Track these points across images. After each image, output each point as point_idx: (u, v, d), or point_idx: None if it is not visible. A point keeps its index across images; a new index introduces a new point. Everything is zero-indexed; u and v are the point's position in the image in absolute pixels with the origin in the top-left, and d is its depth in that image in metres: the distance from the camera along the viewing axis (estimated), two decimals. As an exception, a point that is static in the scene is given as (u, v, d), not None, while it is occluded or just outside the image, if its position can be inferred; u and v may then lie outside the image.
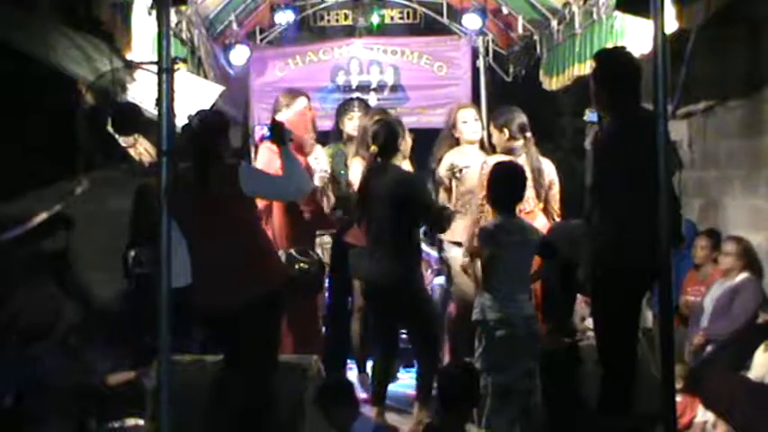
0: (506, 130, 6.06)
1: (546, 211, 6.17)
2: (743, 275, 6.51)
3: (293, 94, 6.47)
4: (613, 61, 4.86)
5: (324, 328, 6.75)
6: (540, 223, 5.92)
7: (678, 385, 5.66)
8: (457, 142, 6.62)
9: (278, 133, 4.92)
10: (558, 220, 6.16)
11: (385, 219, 5.68)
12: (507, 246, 5.16)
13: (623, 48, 5.19)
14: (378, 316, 6.06)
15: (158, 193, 3.80)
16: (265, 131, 5.14)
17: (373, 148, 5.77)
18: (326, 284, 6.64)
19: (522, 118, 6.10)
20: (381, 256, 5.71)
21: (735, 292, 6.48)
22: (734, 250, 6.58)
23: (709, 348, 6.48)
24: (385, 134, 5.81)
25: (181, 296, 4.33)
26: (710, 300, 6.63)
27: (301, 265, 5.63)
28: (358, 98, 7.39)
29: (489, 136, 6.46)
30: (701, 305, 6.67)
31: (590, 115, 5.56)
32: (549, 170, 6.20)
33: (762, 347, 6.04)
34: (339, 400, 4.59)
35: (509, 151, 6.03)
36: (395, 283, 5.70)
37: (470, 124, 6.55)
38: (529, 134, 6.10)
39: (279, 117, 5.92)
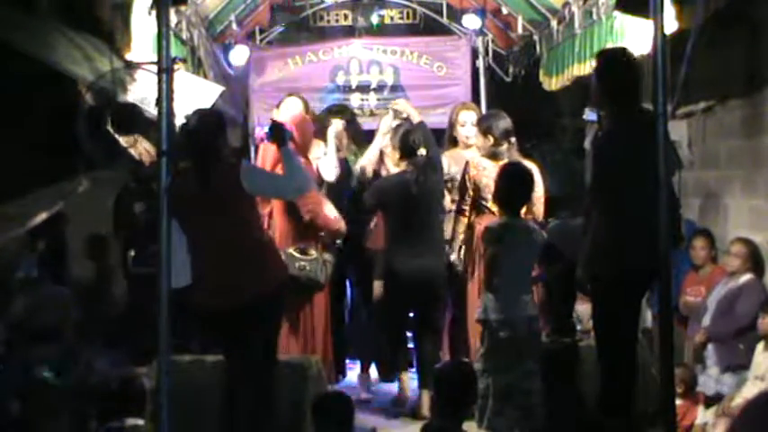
0: (490, 135, 6.09)
1: (527, 213, 6.16)
2: (747, 276, 6.48)
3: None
4: (615, 61, 4.85)
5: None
6: None
7: (679, 390, 5.66)
8: (456, 142, 6.62)
9: (277, 134, 4.94)
10: (541, 221, 6.16)
11: (429, 217, 6.03)
12: (511, 246, 5.17)
13: (624, 48, 5.19)
14: (404, 310, 6.21)
15: (138, 197, 3.80)
16: (265, 131, 5.15)
17: (422, 152, 5.98)
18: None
19: (506, 123, 6.12)
20: (423, 252, 5.95)
21: (738, 293, 6.44)
22: (741, 252, 6.55)
23: (710, 347, 6.46)
24: (427, 139, 6.06)
25: (181, 296, 4.34)
26: (714, 299, 6.61)
27: (301, 263, 5.69)
28: (336, 109, 7.33)
29: None
30: (705, 304, 6.65)
31: (589, 114, 5.54)
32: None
33: (761, 347, 6.04)
34: (334, 416, 4.45)
35: (492, 155, 6.04)
36: (438, 275, 6.05)
37: (468, 128, 6.52)
38: (513, 139, 6.12)
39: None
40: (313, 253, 5.85)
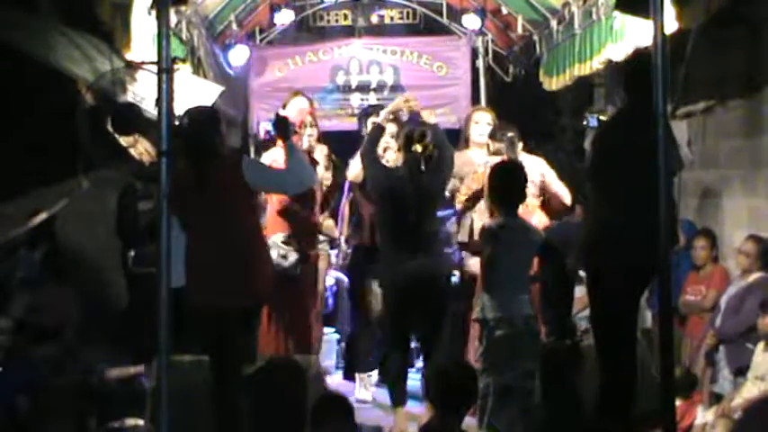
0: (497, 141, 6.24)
1: (545, 207, 6.18)
2: (757, 274, 6.43)
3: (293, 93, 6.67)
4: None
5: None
6: (536, 220, 5.99)
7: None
8: (467, 142, 6.65)
9: (282, 127, 4.97)
10: (568, 203, 6.29)
11: (421, 215, 5.77)
12: (509, 245, 5.17)
13: None
14: (405, 315, 5.89)
15: (142, 196, 3.77)
16: (269, 127, 5.20)
17: (416, 148, 5.78)
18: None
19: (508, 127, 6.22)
20: (414, 252, 5.70)
21: (748, 292, 6.38)
22: (752, 250, 6.49)
23: (721, 348, 6.42)
24: (436, 137, 5.88)
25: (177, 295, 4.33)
26: (725, 299, 6.56)
27: (281, 251, 5.74)
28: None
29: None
30: (719, 304, 6.60)
31: (591, 120, 5.57)
32: (536, 166, 6.24)
33: (761, 347, 6.03)
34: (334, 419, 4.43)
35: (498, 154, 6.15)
36: (438, 278, 5.80)
37: (482, 126, 6.56)
38: (513, 138, 6.17)
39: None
40: (294, 243, 5.88)
